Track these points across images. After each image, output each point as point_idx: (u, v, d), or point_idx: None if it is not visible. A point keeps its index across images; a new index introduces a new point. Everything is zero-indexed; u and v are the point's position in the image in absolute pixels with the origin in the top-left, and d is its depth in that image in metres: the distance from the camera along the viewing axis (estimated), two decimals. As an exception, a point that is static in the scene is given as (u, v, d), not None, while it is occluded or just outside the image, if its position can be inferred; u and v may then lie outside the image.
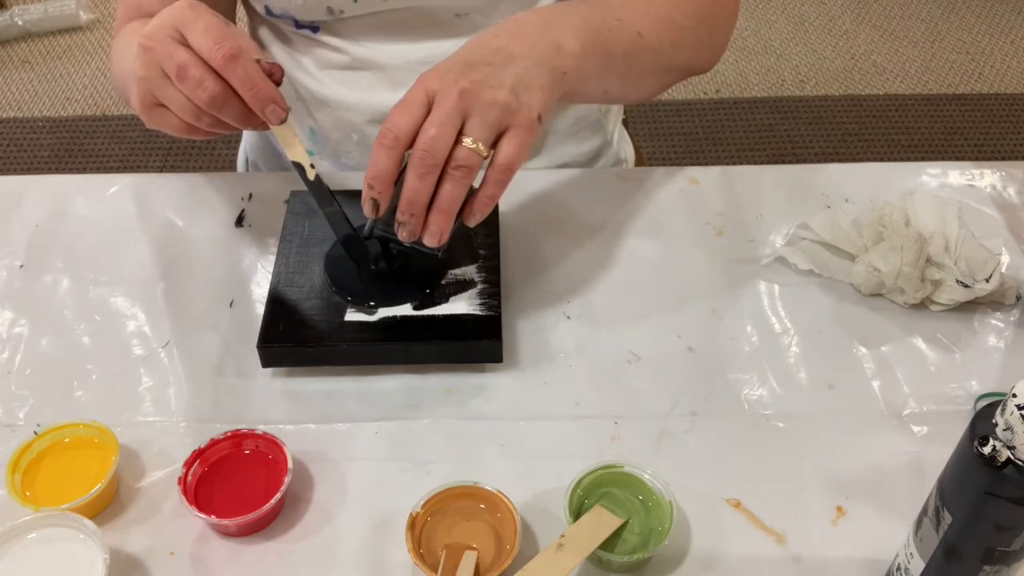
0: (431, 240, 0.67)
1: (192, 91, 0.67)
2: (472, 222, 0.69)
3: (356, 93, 0.92)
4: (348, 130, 0.94)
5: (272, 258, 0.82)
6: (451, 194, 0.66)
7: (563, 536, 0.62)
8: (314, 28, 0.90)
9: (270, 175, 1.01)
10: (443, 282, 0.77)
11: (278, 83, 0.70)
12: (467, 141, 0.66)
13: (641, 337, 0.79)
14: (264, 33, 0.96)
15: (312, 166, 0.73)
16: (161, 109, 0.70)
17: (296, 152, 0.72)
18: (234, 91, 0.67)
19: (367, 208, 0.67)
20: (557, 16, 0.74)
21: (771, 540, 0.66)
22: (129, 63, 0.72)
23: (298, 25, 0.90)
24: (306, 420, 0.73)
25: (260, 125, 0.71)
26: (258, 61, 0.68)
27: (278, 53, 0.94)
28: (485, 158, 0.67)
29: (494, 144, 0.67)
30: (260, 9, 0.91)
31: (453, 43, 0.89)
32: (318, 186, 0.74)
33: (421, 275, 0.78)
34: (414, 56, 0.90)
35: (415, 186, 0.65)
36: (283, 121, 0.70)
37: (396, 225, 0.67)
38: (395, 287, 0.77)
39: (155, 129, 0.72)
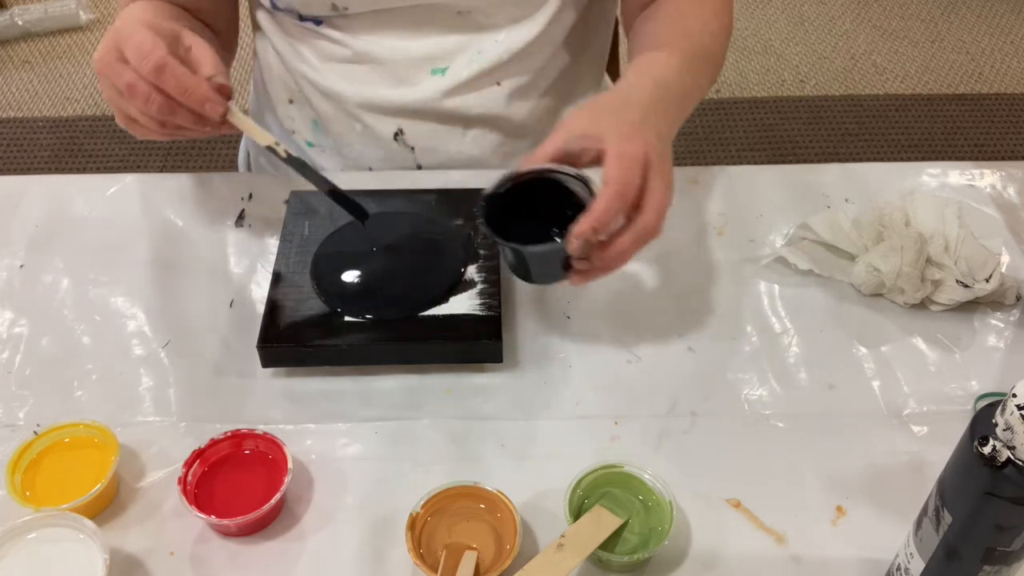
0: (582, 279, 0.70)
1: (143, 107, 0.70)
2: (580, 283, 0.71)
3: (355, 86, 0.92)
4: (350, 120, 0.94)
5: (272, 258, 0.82)
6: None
7: (563, 536, 0.62)
8: (317, 21, 0.91)
9: (270, 175, 1.01)
10: (440, 285, 0.77)
11: (225, 93, 0.71)
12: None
13: (641, 337, 0.79)
14: (266, 24, 0.96)
15: (278, 143, 0.74)
16: (136, 122, 0.73)
17: (261, 137, 0.74)
18: None
19: (576, 246, 0.66)
20: (663, 93, 0.75)
21: (771, 540, 0.66)
22: None
23: (301, 18, 0.91)
24: (306, 420, 0.73)
25: (216, 123, 0.72)
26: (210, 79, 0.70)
27: (280, 43, 0.95)
28: None
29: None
30: (265, 2, 0.91)
31: (454, 39, 0.89)
32: (293, 160, 0.74)
33: (417, 285, 0.78)
34: (414, 52, 0.90)
35: (624, 251, 0.68)
36: (223, 115, 0.71)
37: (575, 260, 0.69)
38: (391, 294, 0.77)
39: (146, 139, 0.75)
